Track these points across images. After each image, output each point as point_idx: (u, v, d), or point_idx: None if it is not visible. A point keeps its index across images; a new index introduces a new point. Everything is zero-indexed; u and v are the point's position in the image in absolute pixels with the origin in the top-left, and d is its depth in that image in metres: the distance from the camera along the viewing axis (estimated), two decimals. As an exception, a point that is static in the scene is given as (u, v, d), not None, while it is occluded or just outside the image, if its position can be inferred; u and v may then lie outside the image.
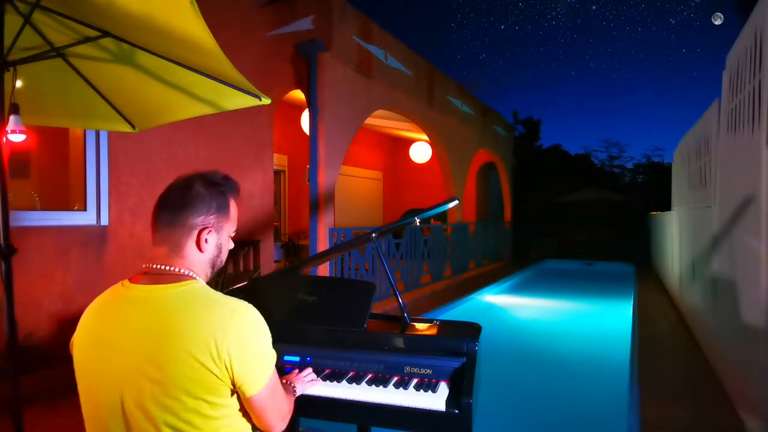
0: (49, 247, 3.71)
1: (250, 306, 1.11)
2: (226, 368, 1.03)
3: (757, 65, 2.94)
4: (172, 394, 1.00)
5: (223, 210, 1.19)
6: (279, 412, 1.18)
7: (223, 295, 1.11)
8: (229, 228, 1.24)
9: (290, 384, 1.49)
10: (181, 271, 1.13)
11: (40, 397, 3.12)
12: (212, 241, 1.18)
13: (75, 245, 3.87)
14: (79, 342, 1.11)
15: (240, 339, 1.04)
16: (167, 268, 1.12)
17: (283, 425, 1.20)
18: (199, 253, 1.16)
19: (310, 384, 1.58)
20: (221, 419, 1.07)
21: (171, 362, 1.00)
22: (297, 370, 1.64)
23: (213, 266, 1.21)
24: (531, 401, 3.68)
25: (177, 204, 1.13)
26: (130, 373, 1.03)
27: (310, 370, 1.65)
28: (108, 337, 1.07)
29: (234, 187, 1.24)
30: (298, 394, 1.49)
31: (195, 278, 1.13)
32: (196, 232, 1.14)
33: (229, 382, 1.05)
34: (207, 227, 1.16)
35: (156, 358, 1.01)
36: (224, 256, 1.25)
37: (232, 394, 1.09)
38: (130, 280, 1.13)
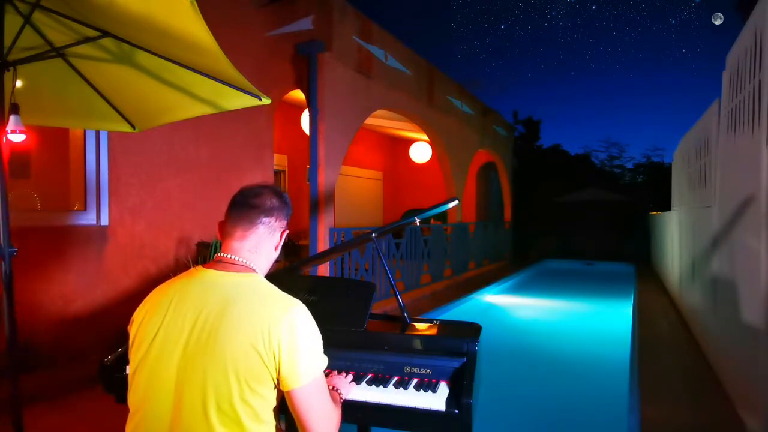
0: (49, 247, 3.71)
1: (306, 307, 1.20)
2: (274, 357, 1.09)
3: (757, 65, 2.94)
4: (222, 371, 1.06)
5: (289, 220, 1.37)
6: (325, 419, 1.16)
7: (282, 292, 1.21)
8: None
9: (335, 389, 1.45)
10: (249, 264, 1.24)
11: (40, 397, 3.12)
12: (281, 243, 1.33)
13: (75, 245, 3.87)
14: (145, 314, 1.18)
15: (290, 331, 1.10)
16: (238, 259, 1.23)
17: None
18: (273, 252, 1.32)
19: (351, 386, 1.56)
20: (258, 411, 1.09)
21: (227, 342, 1.07)
22: (336, 372, 1.62)
23: (270, 266, 1.35)
24: (531, 401, 3.68)
25: (260, 206, 1.27)
26: (189, 350, 1.09)
27: (345, 372, 1.62)
28: (172, 313, 1.14)
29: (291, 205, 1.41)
30: (344, 397, 1.47)
31: (258, 273, 1.25)
32: (278, 234, 1.31)
33: (274, 372, 1.10)
34: (285, 231, 1.33)
35: (213, 336, 1.08)
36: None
37: (274, 388, 1.12)
38: (204, 266, 1.23)
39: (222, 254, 1.24)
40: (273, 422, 1.15)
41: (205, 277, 1.19)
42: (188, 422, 1.07)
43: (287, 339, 1.09)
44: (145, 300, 1.22)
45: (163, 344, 1.12)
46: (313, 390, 1.13)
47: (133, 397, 1.15)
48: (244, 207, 1.26)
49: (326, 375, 1.59)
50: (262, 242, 1.27)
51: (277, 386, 1.12)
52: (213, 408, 1.06)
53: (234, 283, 1.17)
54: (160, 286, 1.23)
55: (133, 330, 1.19)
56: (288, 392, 1.12)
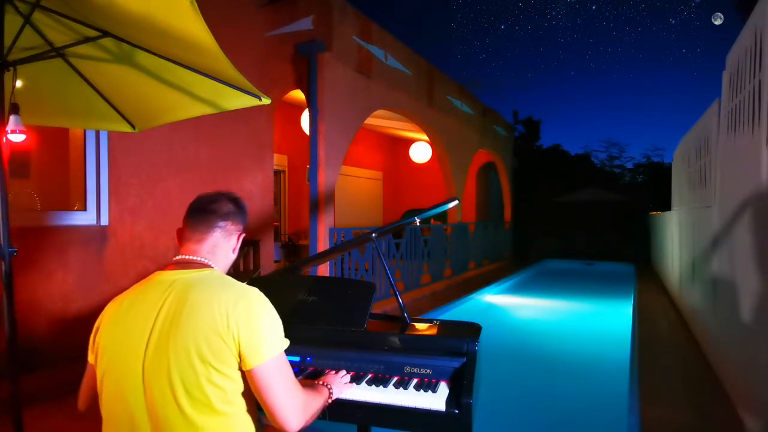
0: (49, 247, 3.71)
1: (260, 291, 1.25)
2: (234, 338, 1.14)
3: (757, 65, 2.94)
4: (186, 357, 1.11)
5: (246, 224, 1.44)
6: (287, 398, 1.18)
7: (237, 281, 1.27)
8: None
9: (325, 384, 1.47)
10: (207, 261, 1.31)
11: (40, 397, 3.12)
12: (238, 246, 1.40)
13: (75, 245, 3.87)
14: (106, 322, 1.23)
15: (248, 312, 1.17)
16: (196, 258, 1.30)
17: (298, 423, 1.19)
18: (230, 255, 1.38)
19: (347, 387, 1.56)
20: (226, 392, 1.14)
21: (188, 329, 1.13)
22: (333, 371, 1.62)
23: (228, 269, 1.41)
24: (531, 401, 3.68)
25: (216, 211, 1.34)
26: (151, 345, 1.14)
27: (343, 372, 1.63)
28: (132, 315, 1.20)
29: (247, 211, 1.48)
30: (336, 395, 1.47)
31: (215, 268, 1.31)
32: (235, 237, 1.38)
33: (236, 352, 1.15)
34: (242, 233, 1.41)
35: (174, 326, 1.14)
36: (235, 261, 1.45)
37: (237, 368, 1.17)
38: (161, 270, 1.29)
39: (181, 256, 1.31)
40: (244, 405, 1.20)
41: (162, 278, 1.24)
42: (164, 414, 1.12)
43: (244, 319, 1.15)
44: (104, 311, 1.26)
45: (127, 347, 1.17)
46: (272, 368, 1.17)
47: (104, 406, 1.20)
48: (201, 213, 1.33)
49: (323, 373, 1.62)
50: (219, 245, 1.34)
51: (240, 367, 1.16)
52: (183, 394, 1.11)
53: (192, 278, 1.23)
54: (116, 297, 1.27)
55: (96, 339, 1.23)
56: (248, 371, 1.16)
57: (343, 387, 1.55)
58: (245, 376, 1.18)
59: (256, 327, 1.16)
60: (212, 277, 1.25)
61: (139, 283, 1.28)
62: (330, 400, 1.43)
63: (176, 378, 1.11)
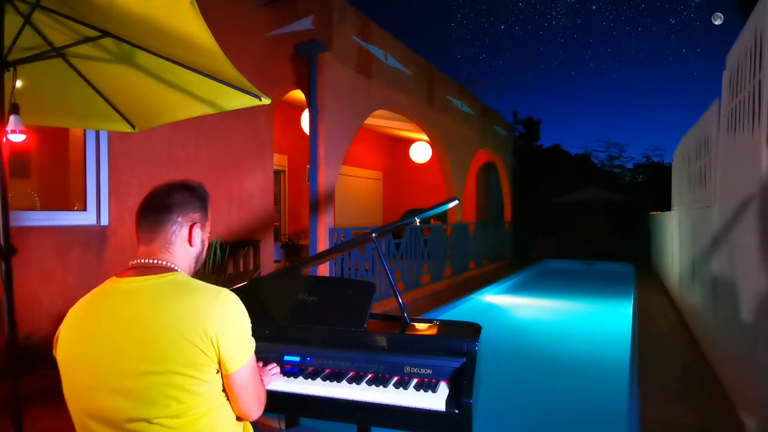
0: (49, 247, 3.71)
1: (232, 292, 1.19)
2: (212, 344, 1.10)
3: (757, 65, 2.94)
4: (162, 371, 1.06)
5: (205, 211, 1.33)
6: (257, 395, 1.24)
7: (206, 283, 1.19)
8: (208, 229, 1.36)
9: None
10: (167, 264, 1.22)
11: (40, 397, 3.12)
12: (199, 236, 1.30)
13: (75, 245, 3.87)
14: (65, 336, 1.15)
15: (224, 318, 1.12)
16: (154, 261, 1.21)
17: (260, 412, 1.26)
18: (189, 247, 1.28)
19: (275, 378, 1.64)
20: (204, 395, 1.12)
21: (162, 343, 1.07)
22: (261, 363, 1.68)
23: (197, 262, 1.32)
24: (531, 401, 3.68)
25: (165, 205, 1.24)
26: (123, 359, 1.08)
27: (273, 364, 1.69)
28: (95, 328, 1.12)
29: (209, 196, 1.37)
30: (265, 385, 1.52)
31: (178, 271, 1.22)
32: (186, 228, 1.26)
33: (215, 360, 1.12)
34: (196, 223, 1.29)
35: (146, 340, 1.07)
36: (204, 253, 1.36)
37: (216, 372, 1.15)
38: (118, 276, 1.20)
39: (137, 260, 1.22)
40: (224, 398, 1.19)
41: (120, 287, 1.15)
42: (133, 428, 1.07)
43: (221, 326, 1.11)
44: (63, 323, 1.17)
45: (91, 363, 1.10)
46: (249, 370, 1.19)
47: (75, 419, 1.15)
48: (149, 210, 1.24)
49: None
50: (171, 240, 1.23)
51: (218, 370, 1.15)
52: (160, 407, 1.06)
53: (155, 285, 1.14)
54: (76, 305, 1.18)
55: (58, 355, 1.16)
56: (226, 376, 1.16)
57: (271, 378, 1.62)
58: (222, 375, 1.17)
59: (234, 333, 1.14)
60: (176, 283, 1.16)
61: (94, 291, 1.18)
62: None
63: (149, 394, 1.05)
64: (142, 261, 1.21)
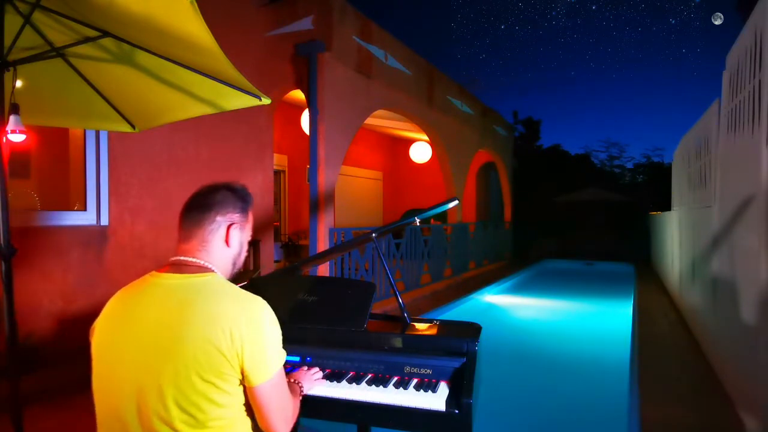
0: (49, 247, 3.71)
1: (264, 301, 1.18)
2: (237, 355, 1.08)
3: (757, 65, 2.94)
4: (185, 374, 1.06)
5: (245, 212, 1.32)
6: (283, 411, 1.19)
7: (240, 289, 1.19)
8: (249, 231, 1.35)
9: (297, 383, 1.47)
10: (204, 264, 1.22)
11: (40, 397, 3.12)
12: (237, 237, 1.29)
13: (75, 245, 3.87)
14: (102, 325, 1.17)
15: (253, 328, 1.10)
16: (191, 259, 1.21)
17: (286, 429, 1.20)
18: (226, 248, 1.27)
19: (318, 382, 1.59)
20: (226, 408, 1.10)
21: (188, 344, 1.06)
22: (306, 368, 1.63)
23: (234, 264, 1.32)
24: (531, 401, 3.68)
25: (205, 204, 1.25)
26: (149, 356, 1.08)
27: (316, 369, 1.64)
28: (130, 321, 1.13)
29: (252, 199, 1.36)
30: (305, 392, 1.49)
31: (215, 272, 1.22)
32: (224, 228, 1.26)
33: (238, 370, 1.10)
34: (234, 223, 1.28)
35: (173, 340, 1.07)
36: (244, 256, 1.35)
37: (239, 384, 1.13)
38: (158, 271, 1.21)
39: (175, 257, 1.23)
40: (243, 414, 1.16)
41: (159, 281, 1.17)
42: (155, 427, 1.07)
43: (249, 337, 1.09)
44: (103, 310, 1.20)
45: (123, 354, 1.11)
46: (274, 385, 1.15)
47: (98, 409, 1.15)
48: (190, 209, 1.25)
49: (292, 372, 1.62)
50: (209, 239, 1.24)
51: (242, 382, 1.13)
52: (178, 412, 1.06)
53: (189, 285, 1.15)
54: (115, 295, 1.21)
55: (93, 341, 1.18)
56: (250, 388, 1.13)
57: (313, 383, 1.56)
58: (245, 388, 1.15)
59: (261, 344, 1.11)
60: (212, 284, 1.16)
61: (134, 283, 1.21)
62: (301, 397, 1.44)
63: (173, 395, 1.06)
64: (180, 258, 1.22)
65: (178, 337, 1.07)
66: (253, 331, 1.10)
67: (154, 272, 1.21)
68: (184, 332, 1.07)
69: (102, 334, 1.16)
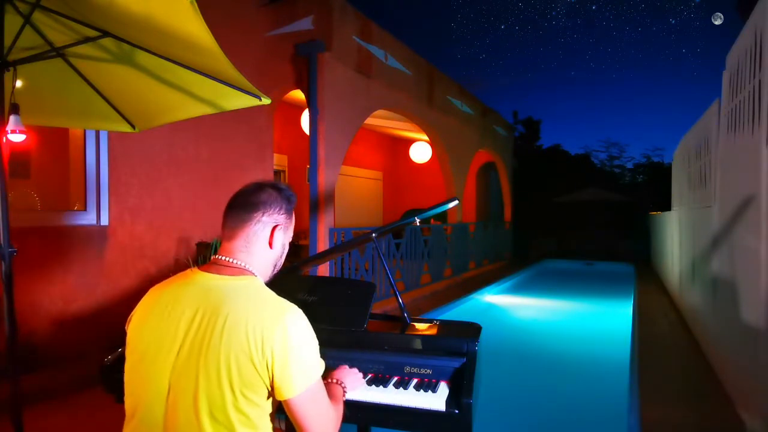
0: (49, 247, 3.71)
1: (300, 311, 1.14)
2: (267, 366, 1.05)
3: (757, 65, 2.94)
4: (216, 380, 1.03)
5: (290, 213, 1.29)
6: (322, 421, 1.13)
7: (277, 296, 1.15)
8: (291, 233, 1.31)
9: (339, 383, 1.42)
10: (245, 266, 1.19)
11: (40, 397, 3.12)
12: (281, 239, 1.26)
13: (75, 245, 3.87)
14: (139, 317, 1.16)
15: (284, 340, 1.06)
16: (233, 261, 1.19)
17: None
18: (269, 249, 1.24)
19: (359, 382, 1.53)
20: (253, 419, 1.07)
21: (221, 350, 1.04)
22: (347, 366, 1.58)
23: (275, 266, 1.29)
24: (531, 401, 3.68)
25: (251, 203, 1.21)
26: (182, 356, 1.07)
27: (356, 369, 1.58)
28: (167, 317, 1.11)
29: (296, 199, 1.33)
30: (349, 390, 1.44)
31: (255, 275, 1.19)
32: (269, 229, 1.23)
33: (267, 382, 1.07)
34: (279, 224, 1.24)
35: (209, 344, 1.05)
36: (283, 258, 1.31)
37: (268, 397, 1.09)
38: (199, 268, 1.19)
39: (218, 256, 1.20)
40: (269, 427, 1.12)
41: (199, 280, 1.15)
42: (182, 429, 1.05)
43: (280, 348, 1.05)
44: (141, 300, 1.19)
45: (157, 349, 1.10)
46: (309, 398, 1.10)
47: (128, 401, 1.13)
48: (234, 207, 1.22)
49: (335, 368, 1.55)
50: (253, 240, 1.21)
51: (272, 394, 1.09)
52: (206, 416, 1.04)
53: (228, 288, 1.12)
54: (156, 287, 1.20)
55: (129, 330, 1.17)
56: (285, 401, 1.09)
57: (356, 382, 1.51)
58: (275, 400, 1.11)
59: (292, 358, 1.06)
60: (250, 289, 1.13)
61: (175, 277, 1.20)
62: (344, 399, 1.38)
63: (203, 398, 1.03)
64: (222, 258, 1.19)
65: (212, 341, 1.04)
66: (285, 343, 1.05)
67: (195, 269, 1.19)
68: (216, 337, 1.04)
69: (138, 327, 1.15)
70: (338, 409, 1.25)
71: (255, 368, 1.04)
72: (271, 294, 1.15)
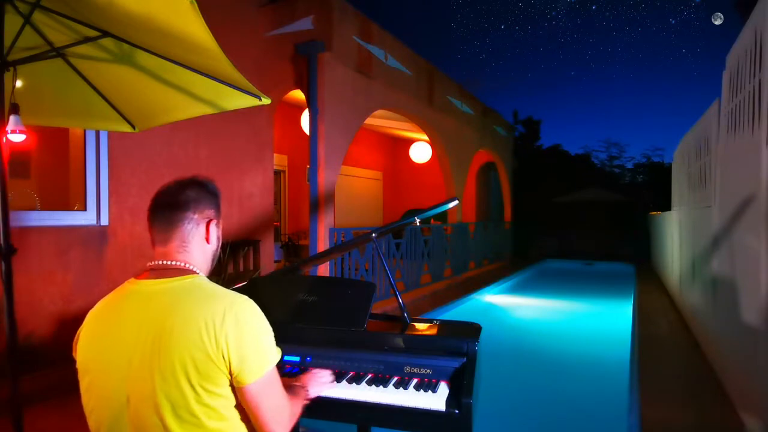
0: (49, 247, 3.70)
1: (250, 300, 1.15)
2: (223, 356, 1.06)
3: (757, 65, 2.94)
4: (172, 382, 1.04)
5: (218, 207, 1.29)
6: (278, 412, 1.16)
7: (224, 289, 1.16)
8: (221, 225, 1.31)
9: (302, 386, 1.43)
10: (186, 265, 1.18)
11: (40, 397, 3.12)
12: (215, 233, 1.26)
13: (75, 245, 3.87)
14: (85, 338, 1.16)
15: (237, 327, 1.07)
16: (171, 263, 1.18)
17: (283, 431, 1.18)
18: (206, 245, 1.24)
19: (329, 386, 1.55)
20: (219, 410, 1.09)
21: (174, 350, 1.04)
22: (315, 370, 1.61)
23: (214, 259, 1.29)
24: (531, 401, 3.68)
25: (179, 202, 1.20)
26: (135, 365, 1.07)
27: (326, 372, 1.61)
28: (113, 331, 1.12)
29: (219, 191, 1.32)
30: (312, 396, 1.46)
31: (197, 273, 1.20)
32: (203, 226, 1.23)
33: (226, 370, 1.07)
34: (212, 219, 1.25)
35: (159, 347, 1.05)
36: (219, 250, 1.32)
37: (230, 385, 1.11)
38: (136, 278, 1.18)
39: (155, 261, 1.18)
40: (236, 416, 1.14)
41: (140, 289, 1.14)
42: None
43: (234, 336, 1.06)
44: (82, 325, 1.18)
45: (108, 365, 1.10)
46: (265, 385, 1.11)
47: (90, 421, 1.14)
48: (160, 208, 1.20)
49: (305, 372, 1.60)
50: (189, 239, 1.20)
51: (232, 383, 1.11)
52: (171, 417, 1.05)
53: (174, 290, 1.12)
54: (94, 308, 1.19)
55: (77, 355, 1.16)
56: (239, 389, 1.10)
57: (322, 387, 1.53)
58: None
59: (246, 344, 1.08)
60: (194, 287, 1.14)
61: (112, 293, 1.19)
62: (307, 401, 1.40)
63: (163, 402, 1.04)
64: (160, 262, 1.17)
65: (162, 344, 1.05)
66: (237, 331, 1.07)
67: (132, 279, 1.18)
68: (167, 339, 1.05)
69: (86, 348, 1.14)
70: (295, 406, 1.26)
71: (212, 361, 1.05)
72: (218, 287, 1.16)
